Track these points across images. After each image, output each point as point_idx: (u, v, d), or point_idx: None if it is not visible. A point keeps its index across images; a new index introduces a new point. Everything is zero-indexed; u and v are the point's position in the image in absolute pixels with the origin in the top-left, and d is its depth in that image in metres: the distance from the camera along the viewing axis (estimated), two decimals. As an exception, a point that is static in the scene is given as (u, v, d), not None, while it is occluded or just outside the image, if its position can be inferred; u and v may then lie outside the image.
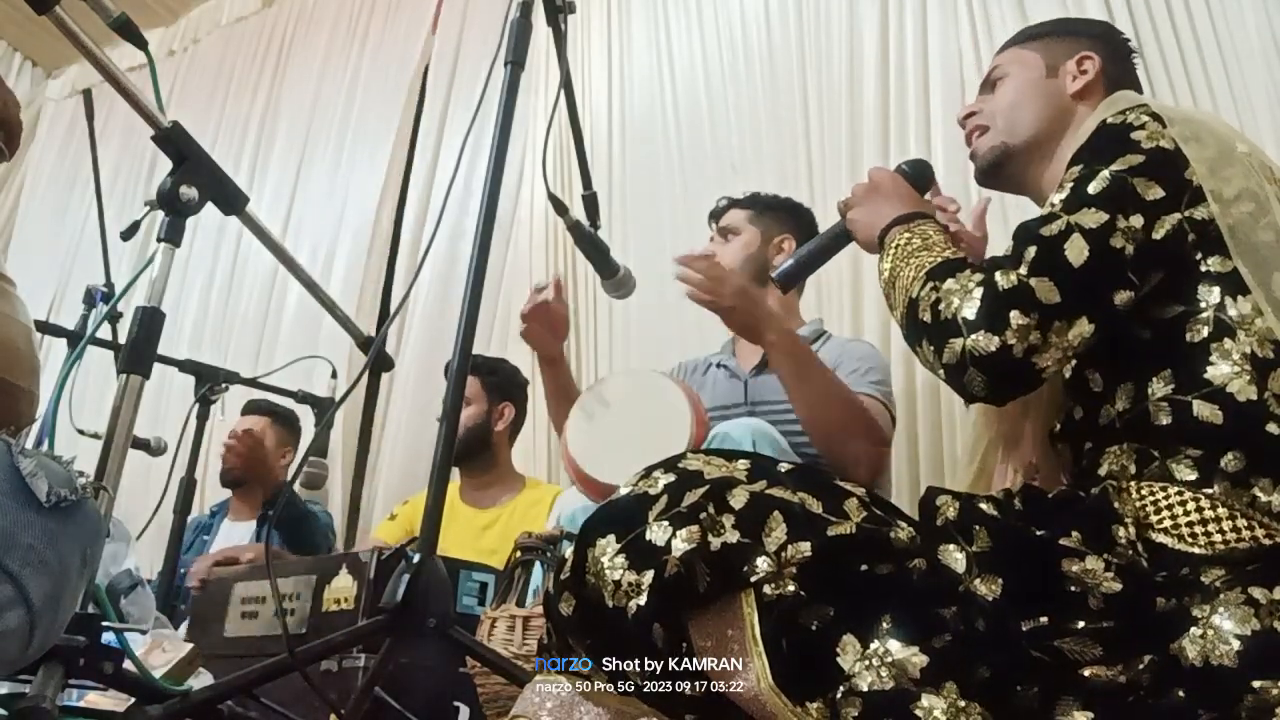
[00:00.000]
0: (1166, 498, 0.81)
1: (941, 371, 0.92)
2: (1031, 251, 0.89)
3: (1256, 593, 0.73)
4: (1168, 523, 0.80)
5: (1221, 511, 0.79)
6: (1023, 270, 0.88)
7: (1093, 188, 0.91)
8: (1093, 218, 0.89)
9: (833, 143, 2.63)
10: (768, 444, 1.58)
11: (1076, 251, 0.87)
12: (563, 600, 0.85)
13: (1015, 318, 0.86)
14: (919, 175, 1.27)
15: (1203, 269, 0.90)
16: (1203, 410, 0.85)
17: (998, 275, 0.89)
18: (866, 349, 1.93)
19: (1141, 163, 0.91)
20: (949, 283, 0.93)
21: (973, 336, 0.88)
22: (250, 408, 3.01)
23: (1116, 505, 0.81)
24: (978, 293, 0.89)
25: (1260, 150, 0.98)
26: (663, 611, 0.78)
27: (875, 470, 1.74)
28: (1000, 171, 1.21)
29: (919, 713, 0.70)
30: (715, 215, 2.07)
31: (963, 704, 0.71)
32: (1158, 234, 0.89)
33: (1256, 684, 0.70)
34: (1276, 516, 0.78)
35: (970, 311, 0.89)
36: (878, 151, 2.49)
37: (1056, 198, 0.94)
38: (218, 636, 1.85)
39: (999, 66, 1.26)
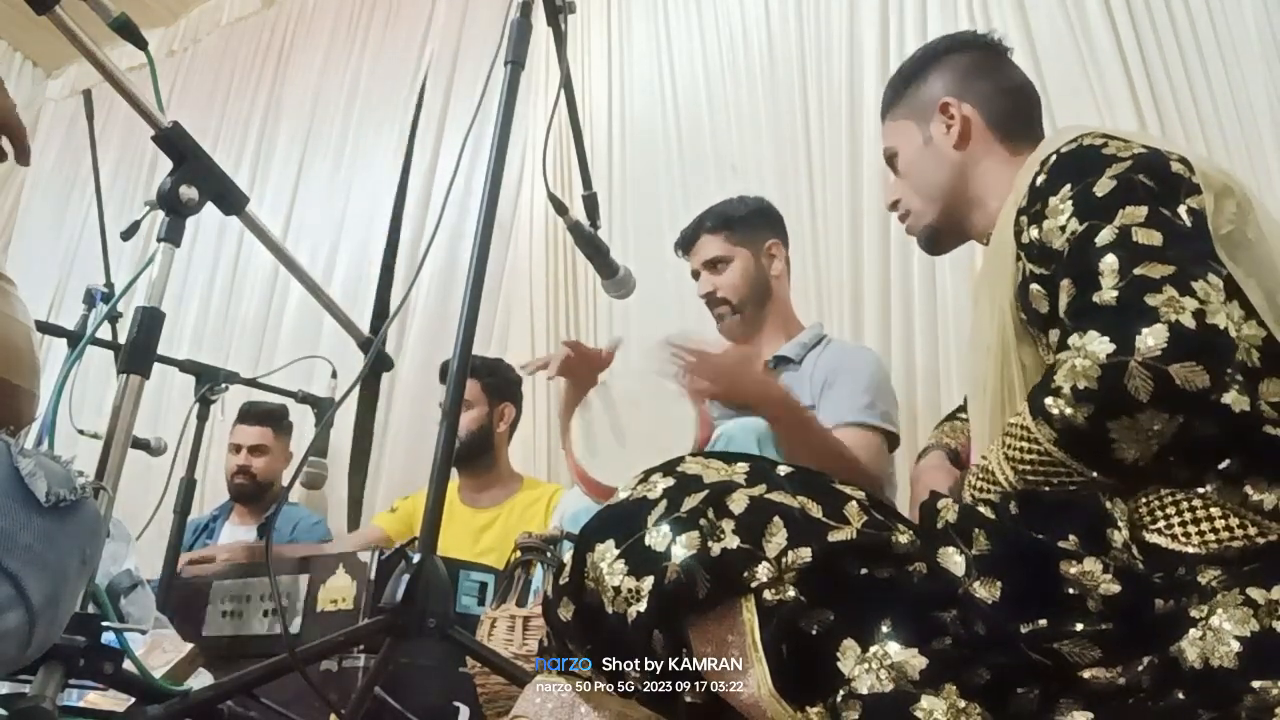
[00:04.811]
0: (1159, 497, 0.80)
1: (1171, 413, 0.76)
2: (1108, 260, 0.82)
3: (1254, 593, 0.73)
4: (1161, 523, 0.79)
5: (1215, 511, 0.78)
6: (1112, 280, 0.81)
7: (1103, 191, 0.88)
8: (1134, 214, 0.85)
9: (833, 143, 2.63)
10: (771, 444, 1.58)
11: (1149, 236, 0.82)
12: (561, 605, 0.85)
13: (1154, 300, 0.77)
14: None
15: None
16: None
17: (1095, 299, 0.81)
18: (865, 361, 1.89)
19: (1131, 164, 0.90)
20: (1058, 376, 0.80)
21: (1139, 353, 0.75)
22: (252, 416, 2.95)
23: (1109, 506, 0.81)
24: (1098, 335, 0.78)
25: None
26: (663, 618, 0.78)
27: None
28: (939, 246, 1.28)
29: (919, 714, 0.70)
30: (686, 246, 2.04)
31: (962, 704, 0.71)
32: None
33: (1256, 684, 0.69)
34: (1268, 515, 0.77)
35: (1105, 345, 0.77)
36: (877, 152, 2.47)
37: (1058, 221, 0.90)
38: (195, 636, 1.83)
39: (888, 145, 1.28)
